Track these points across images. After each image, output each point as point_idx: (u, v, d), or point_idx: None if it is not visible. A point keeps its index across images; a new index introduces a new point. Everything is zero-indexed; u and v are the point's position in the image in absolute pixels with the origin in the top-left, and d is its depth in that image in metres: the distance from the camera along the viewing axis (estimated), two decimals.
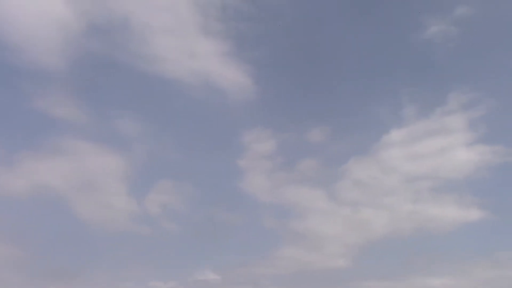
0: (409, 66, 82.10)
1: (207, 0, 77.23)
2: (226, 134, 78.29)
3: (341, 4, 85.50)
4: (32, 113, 71.90)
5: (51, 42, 70.95)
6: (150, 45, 74.73)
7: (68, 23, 70.90)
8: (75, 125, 71.63)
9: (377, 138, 76.88)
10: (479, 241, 67.64)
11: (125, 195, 69.82)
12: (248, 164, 75.01)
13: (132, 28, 73.76)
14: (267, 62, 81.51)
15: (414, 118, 77.35)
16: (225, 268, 66.43)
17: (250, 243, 69.43)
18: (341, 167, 75.50)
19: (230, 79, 76.86)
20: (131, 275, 63.32)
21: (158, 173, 73.46)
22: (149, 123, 75.69)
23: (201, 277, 64.85)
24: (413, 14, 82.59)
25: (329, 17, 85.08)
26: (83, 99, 73.90)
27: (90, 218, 67.02)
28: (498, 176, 71.98)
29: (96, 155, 70.52)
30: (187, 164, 75.42)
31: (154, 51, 74.75)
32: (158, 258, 65.69)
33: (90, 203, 68.61)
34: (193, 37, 76.87)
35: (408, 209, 71.82)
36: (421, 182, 73.13)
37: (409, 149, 75.22)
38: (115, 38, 74.25)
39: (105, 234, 66.53)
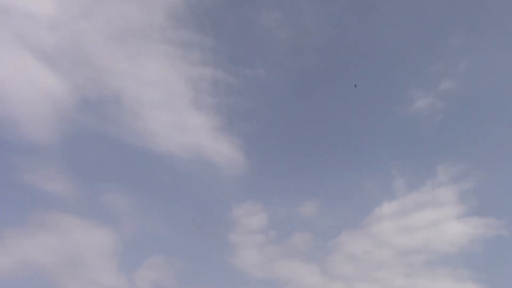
0: (398, 139, 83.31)
1: (199, 75, 78.71)
2: (217, 208, 77.62)
3: (328, 79, 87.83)
4: (21, 187, 71.18)
5: (43, 117, 71.49)
6: (141, 119, 75.42)
7: (61, 98, 71.82)
8: (64, 199, 70.85)
9: (368, 211, 76.74)
10: None
11: (114, 271, 68.19)
12: (239, 239, 74.04)
13: (124, 103, 74.69)
14: (257, 136, 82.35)
15: (404, 191, 77.58)
16: None
17: None
18: (333, 240, 74.76)
19: (220, 153, 77.17)
20: None
21: (148, 249, 72.11)
22: (139, 197, 75.10)
23: None
24: (400, 88, 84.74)
25: (317, 93, 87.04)
26: (73, 173, 73.47)
27: None
28: (492, 249, 71.52)
29: (84, 230, 69.41)
30: (178, 239, 74.27)
31: (145, 125, 75.37)
32: None
33: (78, 279, 66.76)
34: (184, 111, 77.81)
35: (402, 283, 70.52)
36: (414, 255, 72.41)
37: (401, 222, 74.95)
38: (106, 112, 75.01)
39: None
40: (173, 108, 77.87)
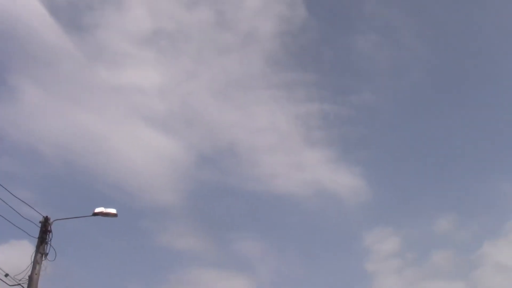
0: None
1: (307, 112, 79.62)
2: (347, 239, 76.38)
3: (439, 90, 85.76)
4: (157, 249, 74.08)
5: (165, 179, 74.55)
6: (259, 165, 76.64)
7: (178, 159, 74.71)
8: (198, 254, 72.70)
9: (509, 216, 71.96)
10: None
11: None
12: (376, 267, 71.84)
13: (239, 152, 76.51)
14: (376, 160, 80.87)
15: None
16: None
17: None
18: (475, 253, 70.47)
19: (342, 184, 76.50)
20: None
21: None
22: (269, 241, 75.39)
23: None
24: None
25: (430, 106, 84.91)
26: (201, 227, 75.57)
27: None
28: None
29: (222, 280, 70.43)
30: (312, 277, 73.58)
31: (263, 170, 76.38)
32: None
33: None
34: (298, 150, 78.42)
35: None
36: None
37: None
38: (224, 164, 77.02)
39: None
40: (288, 148, 78.69)
